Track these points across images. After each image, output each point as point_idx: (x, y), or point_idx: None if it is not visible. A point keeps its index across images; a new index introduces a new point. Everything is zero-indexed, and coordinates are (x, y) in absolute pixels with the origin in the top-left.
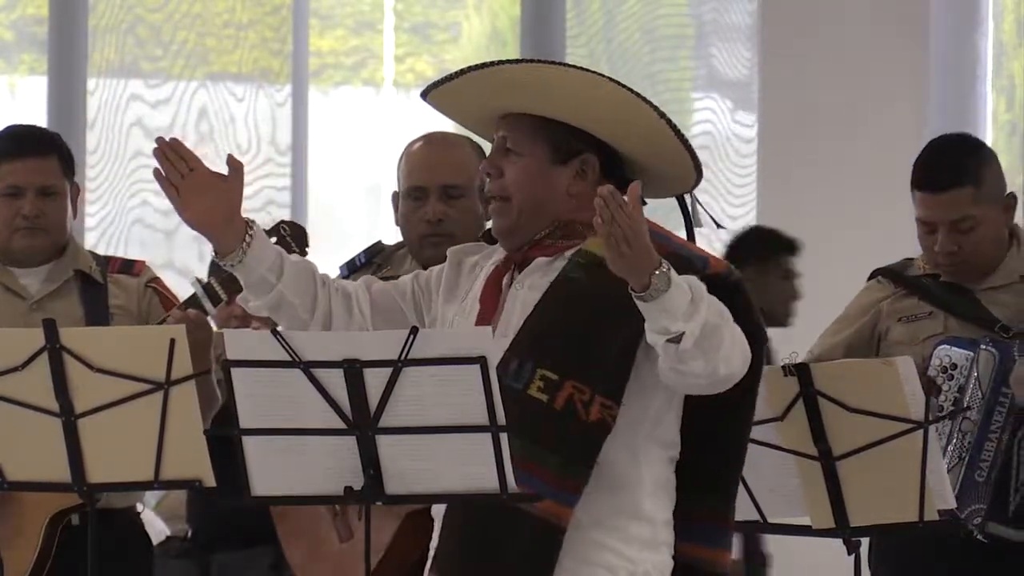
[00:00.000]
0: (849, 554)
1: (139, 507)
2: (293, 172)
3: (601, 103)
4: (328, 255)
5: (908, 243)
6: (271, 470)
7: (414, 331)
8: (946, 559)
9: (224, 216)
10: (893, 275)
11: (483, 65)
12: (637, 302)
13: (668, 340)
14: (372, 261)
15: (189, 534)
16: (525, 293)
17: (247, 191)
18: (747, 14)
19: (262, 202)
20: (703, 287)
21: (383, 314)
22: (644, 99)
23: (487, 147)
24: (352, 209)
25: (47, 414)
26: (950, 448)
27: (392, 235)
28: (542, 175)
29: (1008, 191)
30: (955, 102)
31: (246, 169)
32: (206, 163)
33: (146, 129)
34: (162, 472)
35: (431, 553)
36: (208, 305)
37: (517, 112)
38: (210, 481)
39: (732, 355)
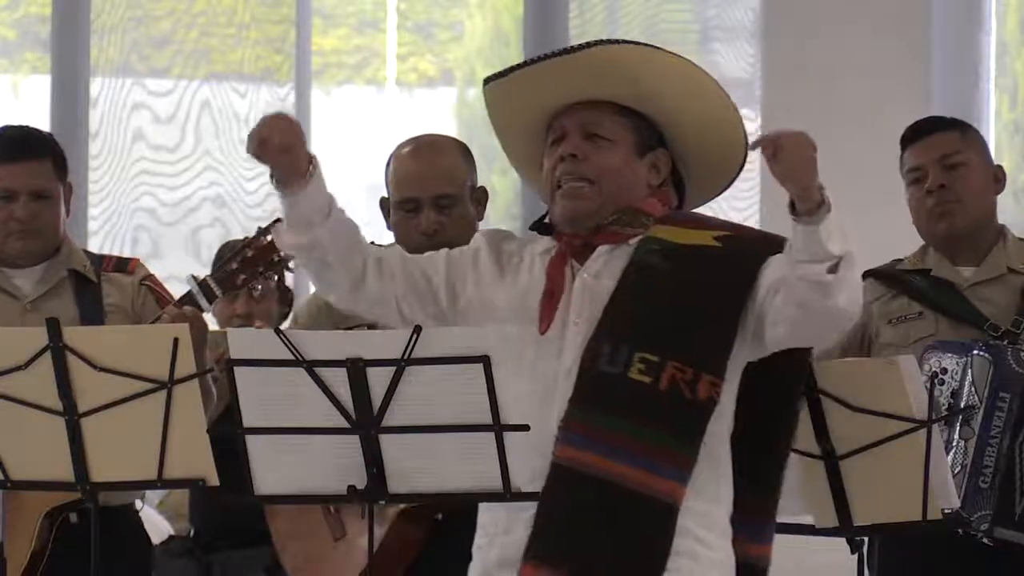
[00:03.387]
0: (852, 553)
1: (138, 504)
2: None
3: (692, 91)
4: None
5: (910, 242)
6: (274, 469)
7: (417, 330)
8: (949, 558)
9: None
10: (881, 276)
11: (586, 45)
12: (801, 228)
13: (828, 270)
14: None
15: (191, 533)
16: (592, 281)
17: (249, 189)
18: (750, 13)
19: (264, 200)
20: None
21: (413, 286)
22: (726, 94)
23: (477, 150)
24: (354, 208)
25: (50, 413)
26: (950, 455)
27: (390, 234)
28: (629, 164)
29: (997, 164)
30: (958, 101)
31: (247, 167)
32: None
33: (149, 127)
34: (165, 471)
35: (504, 537)
36: (203, 302)
37: (601, 100)
38: (213, 480)
39: (860, 288)
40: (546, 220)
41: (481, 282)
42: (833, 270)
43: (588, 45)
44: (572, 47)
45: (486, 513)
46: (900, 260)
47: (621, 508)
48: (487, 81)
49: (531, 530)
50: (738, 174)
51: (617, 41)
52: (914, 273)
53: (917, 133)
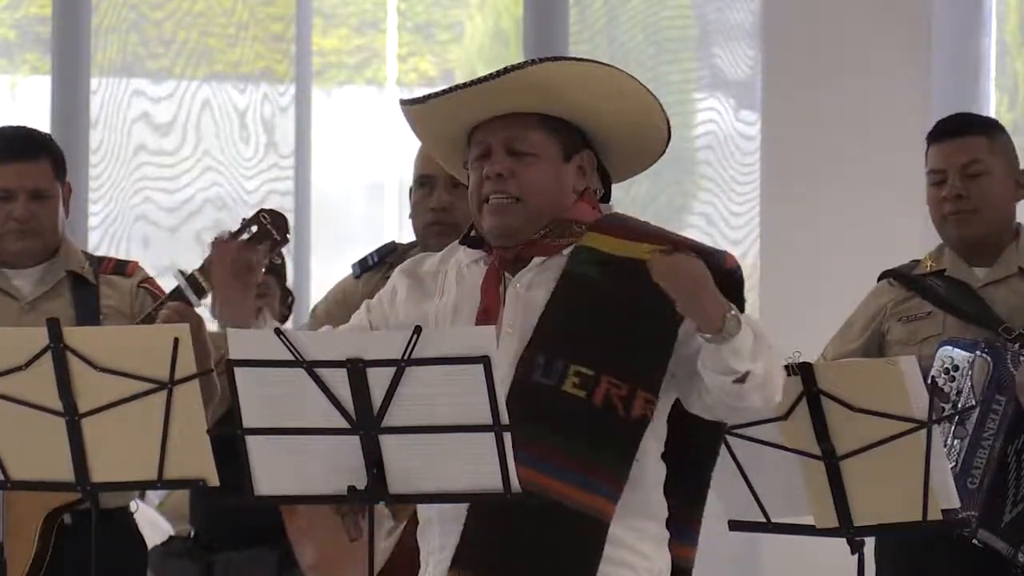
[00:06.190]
0: (853, 554)
1: (133, 506)
2: (296, 171)
3: (608, 94)
4: (331, 254)
5: (911, 242)
6: (274, 470)
7: (417, 330)
8: (949, 559)
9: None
10: (900, 277)
11: (505, 71)
12: (705, 344)
13: (734, 381)
14: (385, 261)
15: (192, 534)
16: (525, 292)
17: (249, 188)
18: (750, 14)
19: (264, 199)
20: (761, 324)
21: None
22: (641, 84)
23: None
24: (355, 208)
25: (50, 413)
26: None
27: (395, 234)
28: (556, 175)
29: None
30: (958, 101)
31: (249, 167)
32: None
33: (149, 128)
34: (165, 471)
35: (439, 554)
36: (192, 296)
37: (523, 112)
38: (214, 480)
39: (779, 382)
40: (472, 233)
41: (405, 312)
42: (742, 379)
43: (507, 70)
44: (491, 74)
45: (422, 539)
46: (917, 261)
47: (549, 522)
48: (403, 103)
49: (459, 539)
50: (662, 153)
51: (533, 62)
52: (931, 276)
53: (944, 133)
